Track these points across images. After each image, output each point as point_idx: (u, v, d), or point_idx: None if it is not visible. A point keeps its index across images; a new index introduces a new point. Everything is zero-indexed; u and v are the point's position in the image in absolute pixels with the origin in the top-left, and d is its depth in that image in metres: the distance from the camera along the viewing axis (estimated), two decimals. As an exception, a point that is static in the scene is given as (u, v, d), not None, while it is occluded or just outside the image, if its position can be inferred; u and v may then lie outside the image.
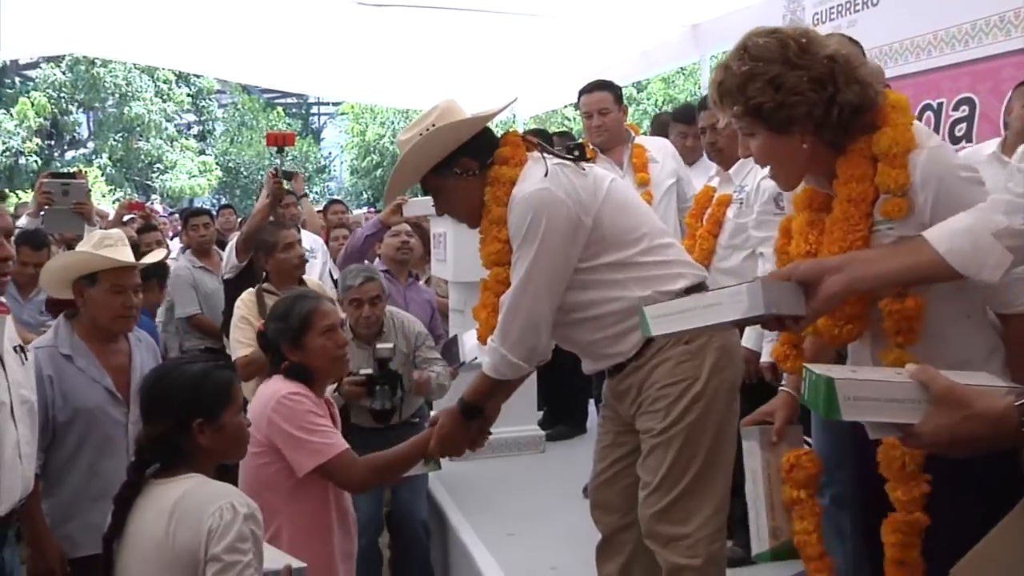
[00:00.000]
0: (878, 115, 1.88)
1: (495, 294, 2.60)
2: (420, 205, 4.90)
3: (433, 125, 2.55)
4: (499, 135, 2.69)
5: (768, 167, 2.02)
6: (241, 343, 3.95)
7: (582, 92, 4.63)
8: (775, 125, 1.86)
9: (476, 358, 4.37)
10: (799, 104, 1.82)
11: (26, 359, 2.69)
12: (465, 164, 2.58)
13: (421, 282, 5.27)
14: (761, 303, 1.66)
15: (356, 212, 12.05)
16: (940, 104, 4.26)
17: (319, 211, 8.59)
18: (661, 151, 4.42)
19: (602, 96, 4.48)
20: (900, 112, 1.87)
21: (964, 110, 4.20)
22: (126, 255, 3.00)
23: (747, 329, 3.55)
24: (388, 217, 4.72)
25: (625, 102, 4.65)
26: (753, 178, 3.67)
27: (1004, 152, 3.20)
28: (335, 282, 4.93)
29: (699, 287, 2.52)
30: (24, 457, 2.52)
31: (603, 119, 4.43)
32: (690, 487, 2.47)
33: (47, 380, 2.89)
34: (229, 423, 2.15)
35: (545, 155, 2.54)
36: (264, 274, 4.24)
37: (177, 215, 11.83)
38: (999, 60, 3.99)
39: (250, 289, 4.16)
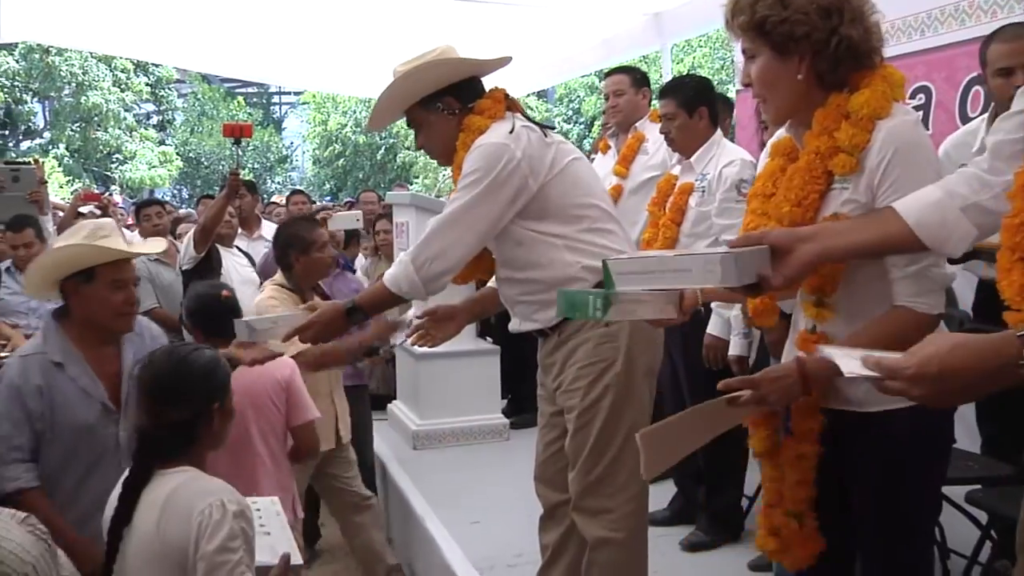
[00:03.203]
0: (866, 77, 1.90)
1: None
2: (344, 219, 4.88)
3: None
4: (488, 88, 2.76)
5: (760, 99, 2.03)
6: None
7: (604, 75, 4.84)
8: (777, 42, 1.89)
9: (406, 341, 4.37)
10: (802, 23, 1.86)
11: None
12: (449, 103, 2.66)
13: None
14: (734, 275, 1.67)
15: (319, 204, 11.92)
16: (897, 92, 4.28)
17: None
18: (657, 142, 4.36)
19: (619, 78, 4.59)
20: (887, 83, 1.89)
21: (920, 98, 4.22)
22: (123, 245, 2.71)
23: (713, 317, 3.56)
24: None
25: (648, 86, 4.64)
26: (715, 166, 3.68)
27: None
28: None
29: None
30: None
31: (618, 100, 4.54)
32: (612, 465, 2.57)
33: (35, 391, 2.60)
34: (231, 407, 2.20)
35: (517, 117, 2.63)
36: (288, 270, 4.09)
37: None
38: (953, 49, 4.01)
39: (271, 287, 4.02)
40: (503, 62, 2.73)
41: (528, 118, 2.68)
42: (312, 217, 4.79)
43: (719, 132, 3.82)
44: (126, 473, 2.10)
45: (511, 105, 2.70)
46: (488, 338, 5.54)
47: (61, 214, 6.79)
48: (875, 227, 1.76)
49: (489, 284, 2.98)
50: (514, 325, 2.82)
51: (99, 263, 2.61)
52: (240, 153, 5.84)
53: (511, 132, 2.55)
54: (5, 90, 27.01)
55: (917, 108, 4.12)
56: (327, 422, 3.95)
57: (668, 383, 3.86)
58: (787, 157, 2.06)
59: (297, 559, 2.15)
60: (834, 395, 1.96)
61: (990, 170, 1.66)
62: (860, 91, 1.88)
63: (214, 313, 3.13)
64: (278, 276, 4.05)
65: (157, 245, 3.42)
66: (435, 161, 2.93)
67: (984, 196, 1.65)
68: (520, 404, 5.60)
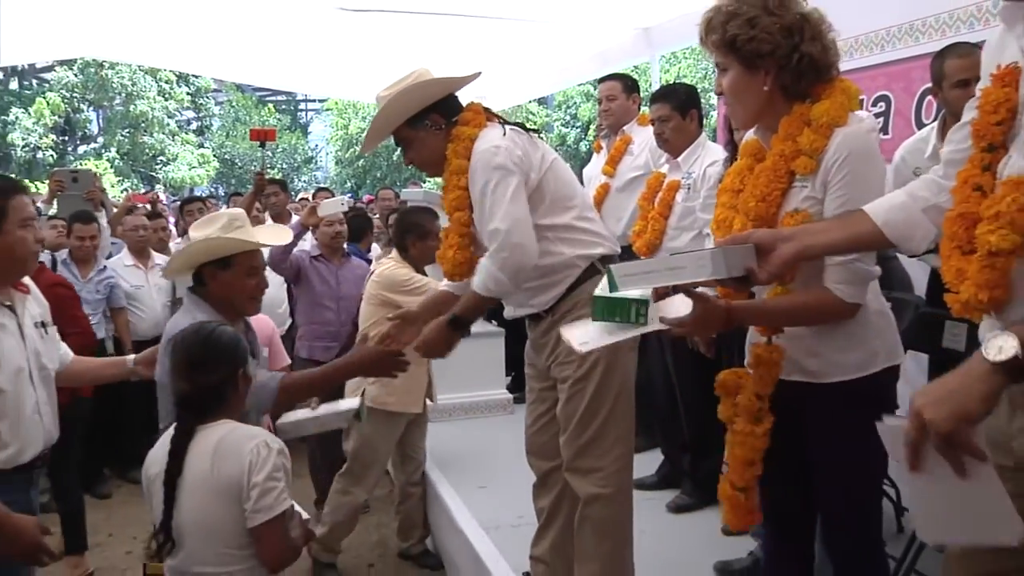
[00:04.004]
0: (826, 90, 1.94)
1: (459, 235, 2.67)
2: (332, 205, 4.90)
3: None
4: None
5: (730, 106, 2.07)
6: None
7: (598, 81, 4.82)
8: (745, 57, 1.93)
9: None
10: (767, 41, 1.89)
11: (47, 333, 2.65)
12: (435, 120, 2.65)
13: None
14: (723, 268, 1.71)
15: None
16: (861, 100, 4.28)
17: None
18: (642, 144, 4.37)
19: (612, 84, 4.59)
20: (844, 95, 1.93)
21: (881, 106, 4.23)
22: (255, 235, 2.64)
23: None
24: (307, 218, 4.72)
25: (637, 92, 4.63)
26: (700, 165, 3.68)
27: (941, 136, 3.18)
28: None
29: (611, 257, 2.63)
30: (43, 415, 2.55)
31: (610, 104, 4.54)
32: (601, 429, 2.60)
33: None
34: (251, 374, 2.31)
35: (502, 123, 2.65)
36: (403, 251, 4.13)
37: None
38: (910, 63, 4.03)
39: (392, 264, 4.04)
40: (474, 77, 2.73)
41: (507, 122, 2.67)
42: (431, 208, 4.81)
43: (704, 134, 3.82)
44: (170, 432, 2.17)
45: (490, 115, 2.70)
46: (493, 321, 5.54)
47: (115, 210, 6.81)
48: (848, 228, 1.77)
49: (442, 286, 2.96)
50: (509, 312, 2.82)
51: (236, 252, 2.54)
52: (271, 155, 5.89)
53: (504, 135, 2.56)
54: (65, 100, 27.26)
55: (878, 115, 4.13)
56: (419, 386, 3.97)
57: (657, 362, 3.88)
58: (754, 157, 2.08)
59: (305, 515, 2.26)
60: (795, 368, 2.02)
61: (945, 176, 1.67)
62: (821, 101, 1.91)
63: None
64: (394, 254, 4.08)
65: (284, 235, 3.23)
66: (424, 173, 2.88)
67: (943, 198, 1.65)
68: (523, 381, 5.59)
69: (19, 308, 2.54)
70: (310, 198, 8.89)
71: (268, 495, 2.07)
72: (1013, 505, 1.23)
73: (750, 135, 2.15)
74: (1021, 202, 1.37)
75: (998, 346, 1.22)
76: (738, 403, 2.06)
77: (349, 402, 3.02)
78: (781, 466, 2.10)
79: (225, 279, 2.53)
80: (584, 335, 2.00)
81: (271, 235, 2.86)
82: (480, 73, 2.74)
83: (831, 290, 1.90)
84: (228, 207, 8.49)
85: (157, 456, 2.19)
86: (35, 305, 2.64)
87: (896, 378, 2.06)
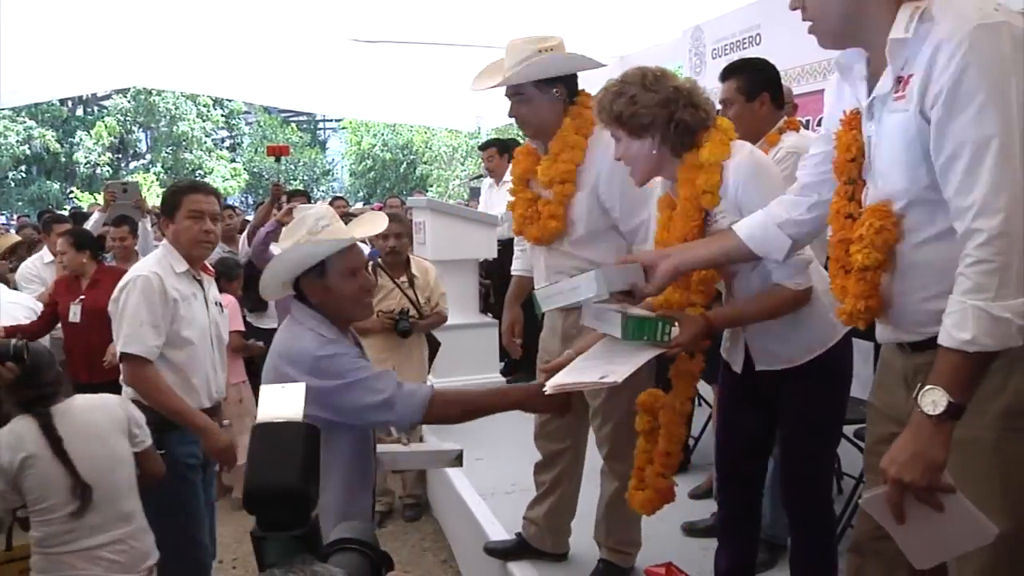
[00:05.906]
0: (706, 135, 1.98)
1: (561, 205, 2.45)
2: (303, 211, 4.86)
3: (550, 49, 2.40)
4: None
5: (628, 168, 2.08)
6: None
7: None
8: (631, 130, 1.97)
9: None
10: (646, 115, 1.94)
11: (222, 311, 2.83)
12: (561, 91, 2.45)
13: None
14: (604, 286, 1.81)
15: (355, 207, 11.85)
16: (808, 120, 4.25)
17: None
18: None
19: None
20: (721, 132, 1.99)
21: (826, 125, 4.22)
22: (345, 232, 1.94)
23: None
24: (283, 218, 4.63)
25: None
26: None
27: None
28: None
29: None
30: (217, 371, 2.74)
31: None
32: (628, 435, 2.43)
33: None
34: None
35: None
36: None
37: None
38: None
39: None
40: (603, 65, 2.60)
41: None
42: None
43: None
44: (23, 421, 2.23)
45: None
46: (489, 314, 5.50)
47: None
48: (719, 243, 1.89)
49: (514, 272, 2.93)
50: (539, 280, 2.61)
51: (328, 255, 1.90)
52: (293, 168, 5.84)
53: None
54: (120, 123, 27.74)
55: (824, 132, 4.14)
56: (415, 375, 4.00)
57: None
58: (670, 208, 2.12)
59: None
60: (774, 359, 2.05)
61: (800, 193, 1.76)
62: (703, 146, 1.96)
63: None
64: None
65: (379, 223, 2.15)
66: (526, 135, 2.63)
67: (794, 213, 1.78)
68: (514, 366, 5.57)
69: (205, 284, 2.75)
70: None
71: (142, 426, 2.33)
72: (982, 513, 1.31)
73: (659, 192, 2.19)
74: (877, 226, 1.46)
75: (931, 401, 1.29)
76: (675, 408, 2.10)
77: (451, 446, 2.59)
78: (749, 442, 2.16)
79: (327, 286, 1.90)
80: (591, 367, 1.84)
81: (365, 226, 2.11)
82: (607, 65, 2.60)
83: (783, 285, 1.92)
84: (253, 214, 8.46)
85: (11, 441, 2.20)
86: (214, 288, 2.83)
87: (851, 354, 2.10)
